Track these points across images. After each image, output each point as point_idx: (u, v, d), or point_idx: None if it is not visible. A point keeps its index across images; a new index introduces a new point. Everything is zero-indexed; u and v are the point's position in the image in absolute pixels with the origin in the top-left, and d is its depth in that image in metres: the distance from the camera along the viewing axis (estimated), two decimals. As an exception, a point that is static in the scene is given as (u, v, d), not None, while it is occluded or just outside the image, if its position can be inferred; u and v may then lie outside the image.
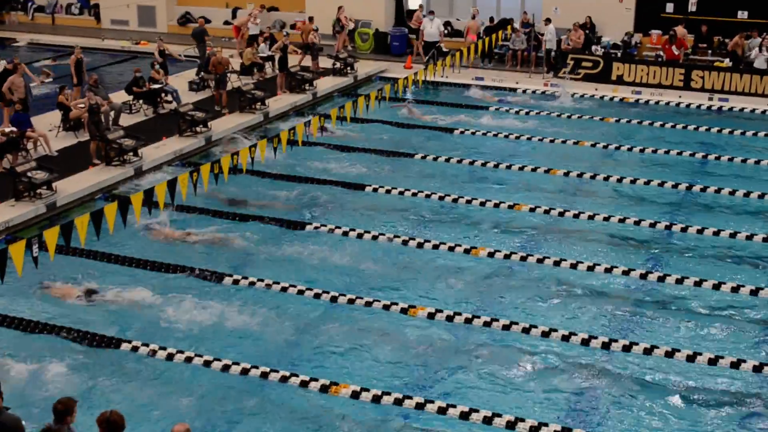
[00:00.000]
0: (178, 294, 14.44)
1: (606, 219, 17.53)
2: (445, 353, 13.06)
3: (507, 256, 15.87)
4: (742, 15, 29.88)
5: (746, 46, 27.83)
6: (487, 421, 11.22)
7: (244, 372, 12.29)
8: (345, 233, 16.84)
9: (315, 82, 26.92)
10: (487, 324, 13.60)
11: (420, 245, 16.35)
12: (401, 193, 18.90)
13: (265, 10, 33.62)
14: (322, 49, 29.53)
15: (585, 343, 13.11)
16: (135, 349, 12.90)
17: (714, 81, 27.14)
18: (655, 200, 18.87)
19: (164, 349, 12.80)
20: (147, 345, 12.90)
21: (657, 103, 26.47)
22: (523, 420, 11.24)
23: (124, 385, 12.14)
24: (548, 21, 29.39)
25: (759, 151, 22.05)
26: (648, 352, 12.83)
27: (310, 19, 30.24)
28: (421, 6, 33.13)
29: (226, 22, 34.16)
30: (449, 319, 13.76)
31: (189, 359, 12.60)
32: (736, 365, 12.50)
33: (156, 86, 24.24)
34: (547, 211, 17.89)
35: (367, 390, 11.83)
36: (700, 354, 12.69)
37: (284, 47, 26.60)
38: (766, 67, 27.07)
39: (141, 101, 24.15)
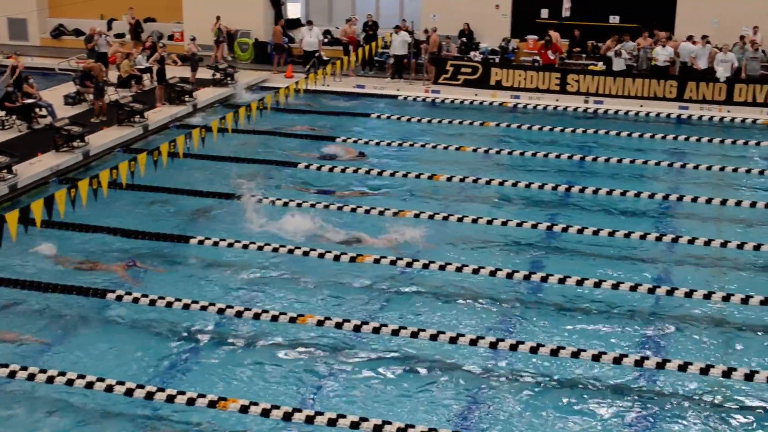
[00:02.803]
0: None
1: (489, 222, 17.75)
2: (333, 361, 13.00)
3: (393, 263, 15.90)
4: (614, 19, 30.75)
5: (619, 49, 28.56)
6: (378, 429, 11.19)
7: (128, 393, 11.97)
8: (230, 245, 16.61)
9: (195, 93, 26.58)
10: (376, 330, 13.57)
11: (306, 253, 16.25)
12: (285, 204, 18.75)
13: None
14: (202, 59, 29.17)
15: (473, 343, 13.21)
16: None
17: (589, 84, 27.87)
18: (536, 202, 19.21)
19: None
20: None
21: (535, 107, 27.05)
22: (413, 426, 11.24)
23: None
24: (396, 29, 29.61)
25: (633, 151, 22.72)
26: (534, 350, 13.01)
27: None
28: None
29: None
30: (338, 326, 13.69)
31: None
32: (618, 360, 12.77)
33: (29, 101, 23.55)
34: (431, 216, 18.01)
35: (256, 404, 11.67)
36: (584, 350, 12.93)
37: (162, 59, 26.17)
38: (625, 68, 27.95)
39: (14, 117, 23.40)
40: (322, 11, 33.87)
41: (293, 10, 34.08)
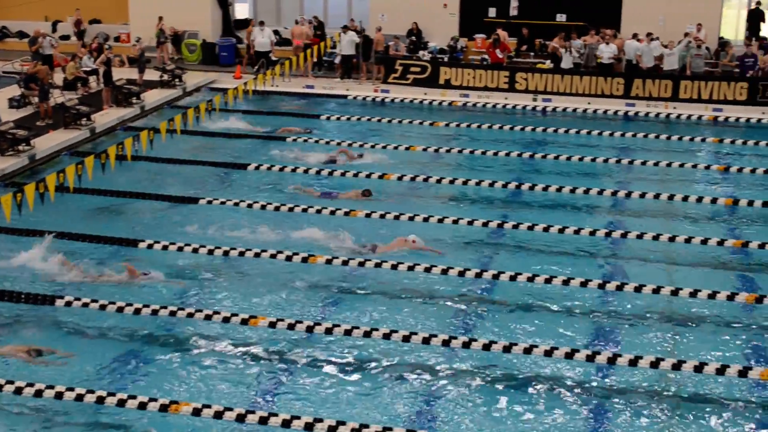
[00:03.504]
0: None
1: (440, 221, 17.78)
2: (286, 362, 12.95)
3: (345, 263, 15.87)
4: (561, 18, 31.02)
5: (569, 46, 28.82)
6: (332, 429, 11.16)
7: (79, 398, 11.81)
8: (180, 248, 16.46)
9: (142, 95, 26.34)
10: (329, 330, 13.52)
11: (257, 255, 16.15)
12: (236, 204, 18.65)
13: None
14: (149, 61, 28.93)
15: (426, 341, 13.23)
16: None
17: (537, 82, 28.08)
18: (486, 200, 19.29)
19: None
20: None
21: (484, 105, 27.20)
22: (367, 426, 11.21)
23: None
24: (344, 29, 29.59)
25: (581, 148, 22.94)
26: (487, 347, 13.04)
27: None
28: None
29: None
30: (291, 327, 13.63)
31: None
32: (570, 355, 12.85)
33: (-28, 105, 23.21)
34: (382, 216, 18.00)
35: (209, 406, 11.58)
36: (537, 347, 13.00)
37: (108, 60, 25.89)
38: (572, 66, 28.25)
39: (-43, 121, 23.05)
40: (271, 12, 33.76)
41: (241, 11, 33.93)
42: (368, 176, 20.39)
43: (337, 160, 21.67)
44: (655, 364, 12.56)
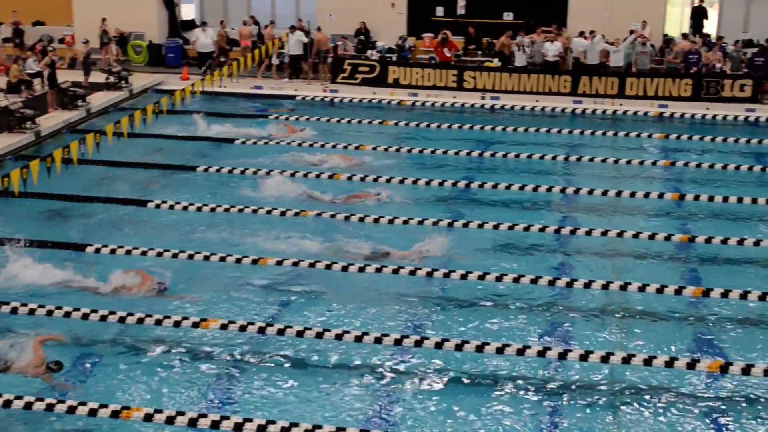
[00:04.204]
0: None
1: (390, 222, 17.78)
2: (238, 364, 12.87)
3: (296, 264, 15.79)
4: (508, 16, 31.21)
5: (513, 46, 29.04)
6: (285, 431, 11.11)
7: (27, 407, 11.63)
8: (128, 252, 16.29)
9: (88, 97, 26.02)
10: (281, 332, 13.46)
11: (206, 258, 16.03)
12: (185, 207, 18.50)
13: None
14: (95, 63, 28.62)
15: (378, 341, 13.23)
16: None
17: (485, 81, 28.22)
18: (436, 198, 19.33)
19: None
20: None
21: (433, 104, 27.27)
22: (320, 427, 11.18)
23: None
24: (292, 29, 29.53)
25: (530, 145, 23.10)
26: (439, 346, 13.06)
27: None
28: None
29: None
30: (242, 329, 13.55)
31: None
32: (521, 352, 12.93)
33: None
34: (333, 216, 17.96)
35: (161, 411, 11.47)
36: (488, 344, 13.04)
37: (52, 63, 25.55)
38: (526, 65, 28.46)
39: None
40: (217, 12, 33.55)
41: (187, 12, 33.69)
42: (317, 176, 20.33)
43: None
44: (605, 359, 12.69)
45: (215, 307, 14.49)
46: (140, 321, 13.78)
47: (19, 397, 11.67)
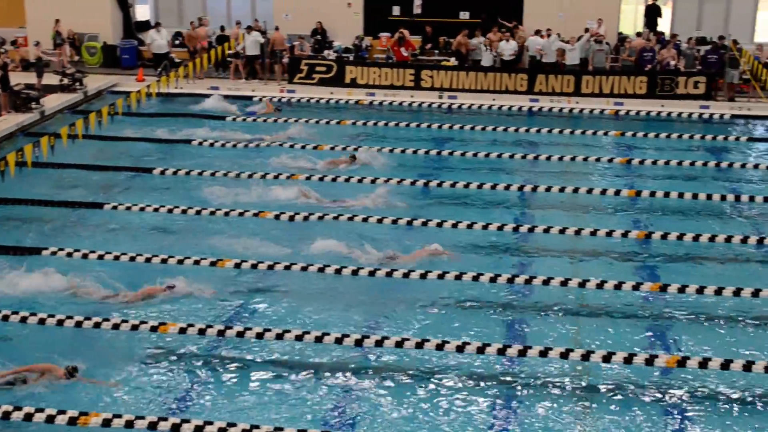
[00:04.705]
0: None
1: (350, 219, 17.75)
2: (197, 368, 12.79)
3: (254, 266, 15.69)
4: (464, 15, 31.31)
5: (470, 45, 29.17)
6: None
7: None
8: (84, 255, 16.09)
9: (42, 100, 25.71)
10: (240, 334, 13.37)
11: (164, 261, 15.90)
12: (142, 209, 18.34)
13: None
14: (48, 64, 28.29)
15: (339, 341, 13.19)
16: None
17: (442, 80, 28.29)
18: (394, 198, 19.29)
19: None
20: None
21: (390, 103, 27.27)
22: (281, 429, 11.14)
23: None
24: (248, 29, 29.47)
25: (487, 144, 23.19)
26: (399, 345, 13.06)
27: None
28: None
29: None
30: (201, 332, 13.46)
31: None
32: (482, 350, 12.95)
33: None
34: (291, 218, 17.88)
35: (120, 416, 11.35)
36: (448, 342, 13.03)
37: (4, 65, 25.21)
38: (492, 64, 28.59)
39: None
40: (172, 12, 33.30)
41: (142, 12, 33.41)
42: (276, 177, 20.24)
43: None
44: (564, 355, 12.76)
45: (173, 311, 14.37)
46: (97, 326, 13.63)
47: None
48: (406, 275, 15.29)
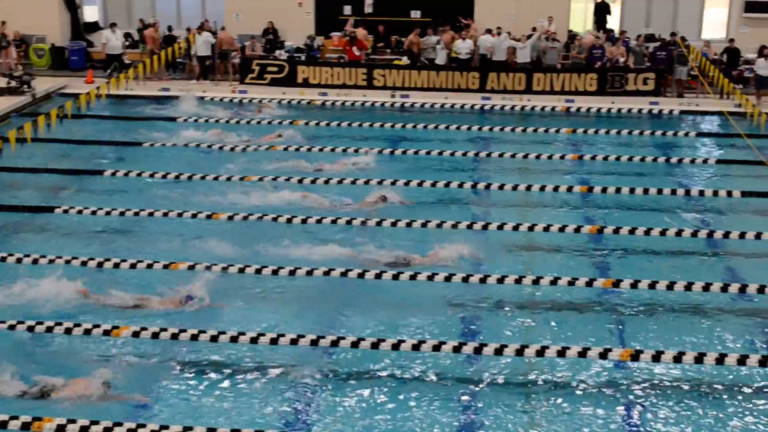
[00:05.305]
0: None
1: (303, 221, 17.68)
2: (153, 371, 12.69)
3: (225, 269, 15.53)
4: (415, 14, 31.39)
5: (421, 44, 29.26)
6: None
7: None
8: (35, 261, 15.89)
9: (-11, 103, 25.40)
10: (194, 337, 13.25)
11: (116, 265, 15.71)
12: (93, 212, 18.14)
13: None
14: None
15: (294, 342, 13.15)
16: None
17: (395, 79, 28.33)
18: (352, 198, 19.27)
19: None
20: None
21: (343, 103, 27.24)
22: (239, 431, 11.09)
23: None
24: (199, 29, 29.33)
25: (440, 142, 23.26)
26: (355, 345, 13.04)
27: None
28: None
29: None
30: (155, 336, 13.33)
31: None
32: (437, 348, 12.97)
33: None
34: (245, 218, 17.78)
35: (74, 421, 11.23)
36: (404, 341, 13.03)
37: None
38: (446, 62, 28.70)
39: None
40: (121, 14, 33.00)
41: (90, 13, 33.07)
42: (228, 179, 20.12)
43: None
44: (519, 352, 12.82)
45: (126, 315, 14.22)
46: (49, 330, 13.46)
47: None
48: (360, 275, 15.23)
